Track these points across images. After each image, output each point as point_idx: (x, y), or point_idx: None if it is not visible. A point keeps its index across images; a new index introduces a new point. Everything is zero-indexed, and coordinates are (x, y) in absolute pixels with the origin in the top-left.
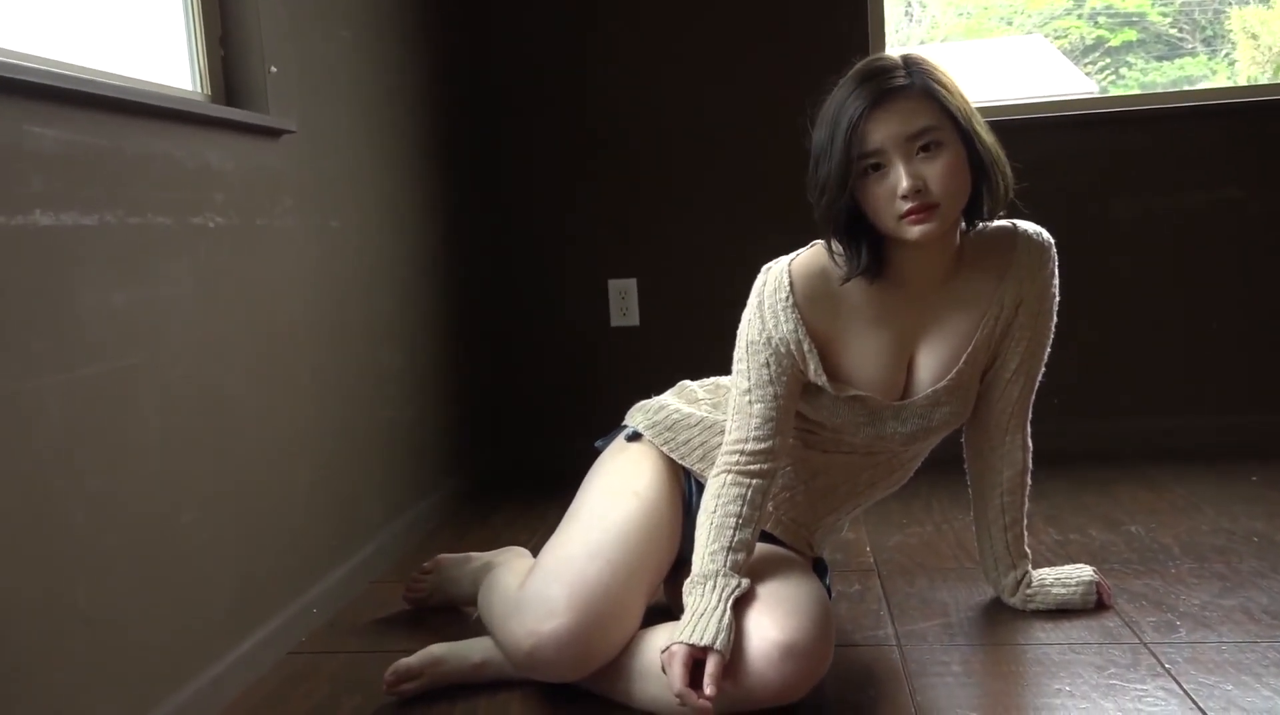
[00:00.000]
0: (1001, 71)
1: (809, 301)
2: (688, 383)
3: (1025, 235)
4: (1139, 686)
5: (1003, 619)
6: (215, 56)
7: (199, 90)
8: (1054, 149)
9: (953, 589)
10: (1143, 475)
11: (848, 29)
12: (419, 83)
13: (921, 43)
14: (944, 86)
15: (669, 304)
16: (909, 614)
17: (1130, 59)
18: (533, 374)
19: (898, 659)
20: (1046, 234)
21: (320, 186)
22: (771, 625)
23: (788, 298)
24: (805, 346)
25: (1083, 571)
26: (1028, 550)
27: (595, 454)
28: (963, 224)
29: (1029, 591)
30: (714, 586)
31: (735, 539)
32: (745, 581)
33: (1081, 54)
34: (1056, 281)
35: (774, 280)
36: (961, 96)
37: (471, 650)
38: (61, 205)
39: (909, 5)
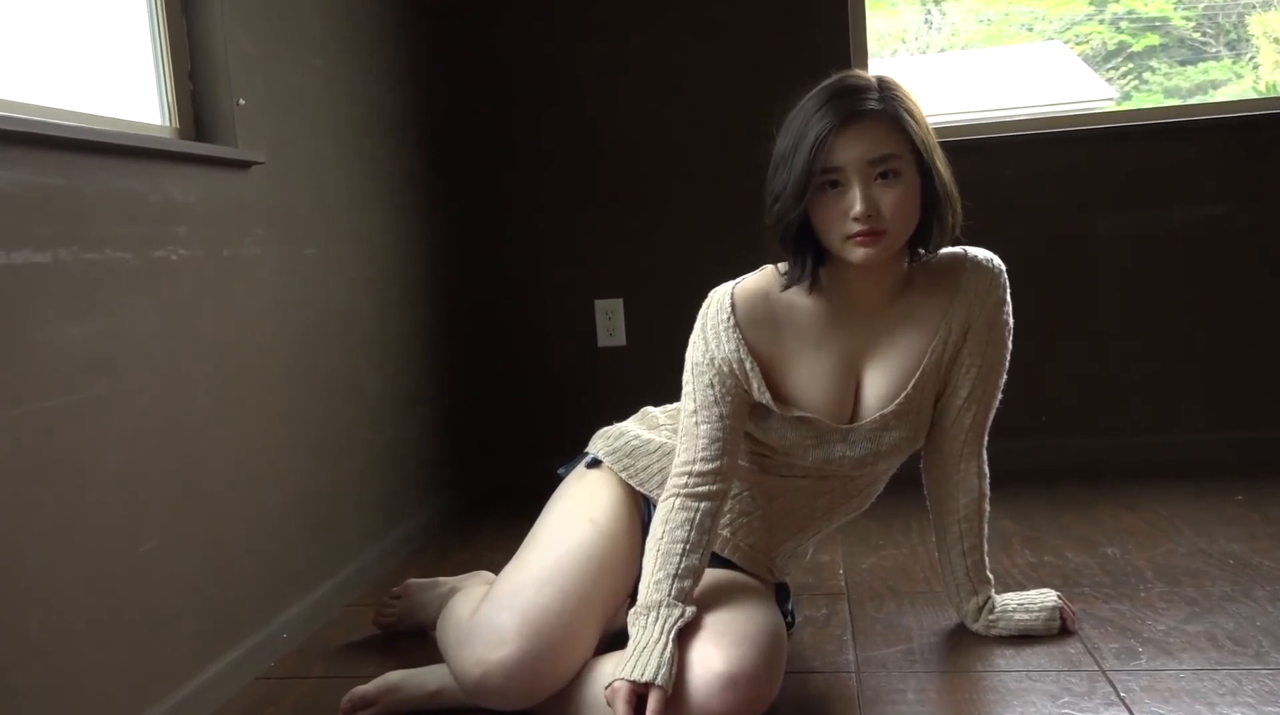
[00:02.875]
0: (1020, 79)
1: (751, 322)
2: (650, 408)
3: (974, 260)
4: None
5: (965, 645)
6: (184, 91)
7: (168, 124)
8: (1040, 164)
9: (919, 614)
10: (1125, 495)
11: (836, 51)
12: (397, 107)
13: (942, 50)
14: (913, 117)
15: (656, 324)
16: (873, 640)
17: (1153, 64)
18: (519, 394)
19: (855, 686)
20: (997, 260)
21: (293, 215)
22: (716, 654)
23: (729, 318)
24: (748, 365)
25: (1046, 596)
26: (990, 575)
27: (560, 480)
28: (907, 253)
29: (991, 617)
30: (656, 618)
31: (682, 566)
32: (690, 610)
33: (1103, 60)
34: (1008, 308)
35: (716, 303)
36: (927, 128)
37: (428, 678)
38: (12, 244)
39: (928, 12)
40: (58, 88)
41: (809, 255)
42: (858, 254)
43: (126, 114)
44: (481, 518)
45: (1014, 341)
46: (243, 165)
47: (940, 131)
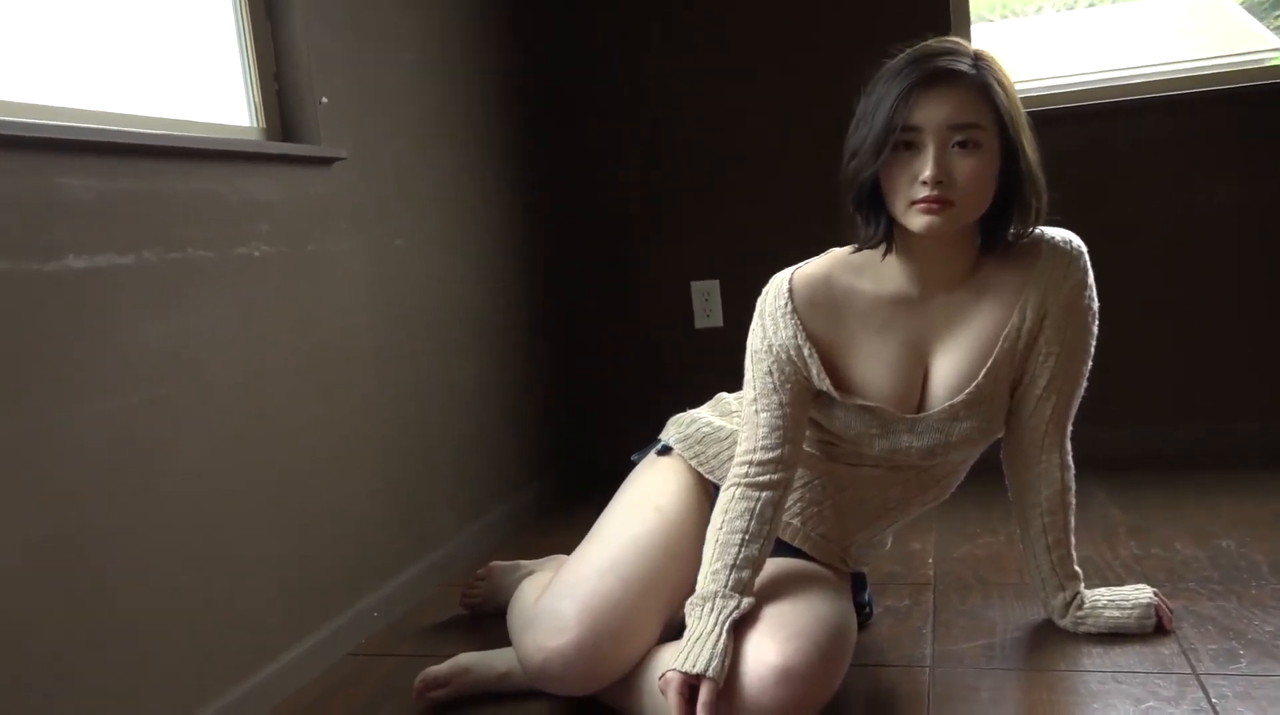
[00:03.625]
0: (1176, 31)
1: (809, 307)
2: (724, 394)
3: (1051, 242)
4: None
5: (1049, 643)
6: (270, 91)
7: (255, 125)
8: (1196, 124)
9: (1006, 607)
10: (1251, 484)
11: (932, 32)
12: (487, 97)
13: (1091, 4)
14: (1003, 88)
15: (753, 305)
16: (953, 634)
17: None
18: (616, 378)
19: (927, 682)
20: (1077, 241)
21: (379, 208)
22: (771, 647)
23: (786, 304)
24: (805, 352)
25: (1141, 593)
26: (1077, 570)
27: (633, 467)
28: (979, 234)
29: (1079, 614)
30: (712, 609)
31: (740, 556)
32: (747, 601)
33: (1270, 8)
34: (1090, 292)
35: (775, 288)
36: (1017, 104)
37: (497, 661)
38: (95, 248)
39: None
40: (156, 96)
41: (881, 219)
42: (920, 222)
43: (217, 117)
44: (578, 503)
45: (1137, 322)
46: (325, 162)
47: (1084, 94)
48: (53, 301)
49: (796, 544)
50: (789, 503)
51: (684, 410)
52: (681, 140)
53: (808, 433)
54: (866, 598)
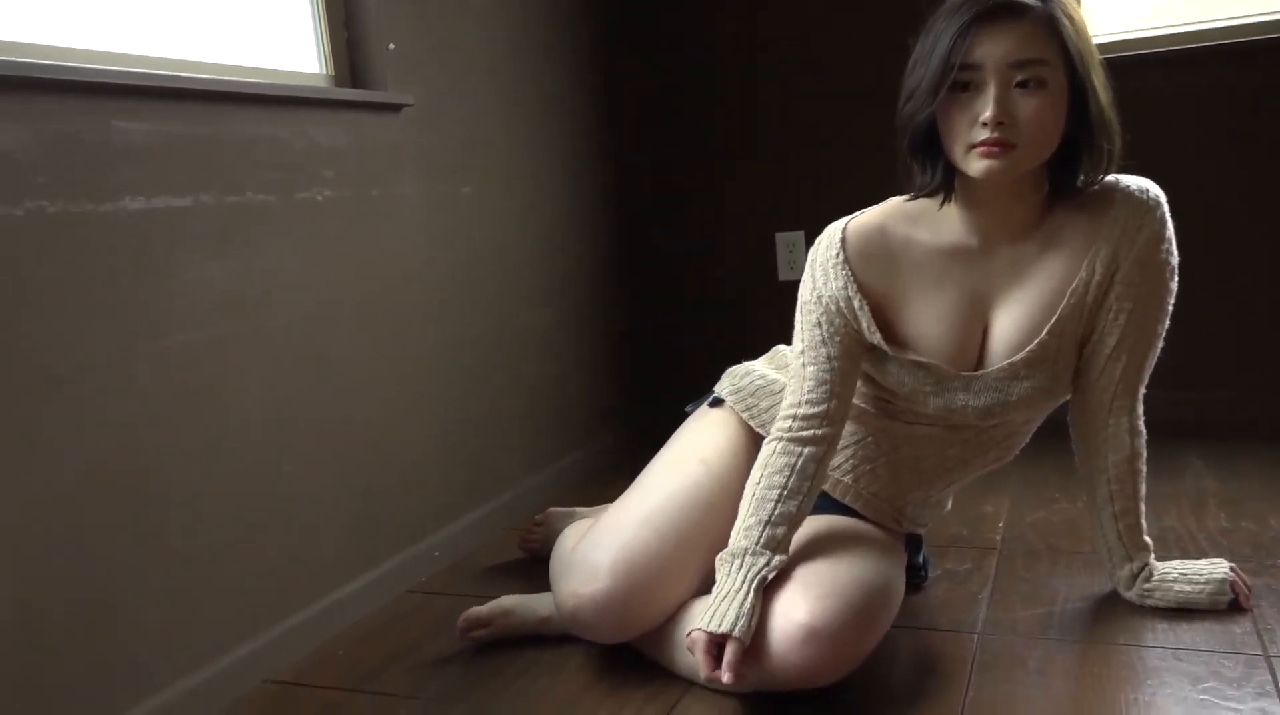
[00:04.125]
0: None
1: (862, 258)
2: (782, 347)
3: (1126, 190)
4: (1233, 706)
5: (1112, 615)
6: (339, 39)
7: (324, 72)
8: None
9: (1073, 577)
10: None
11: None
12: (561, 42)
13: None
14: (1072, 23)
15: None
16: (1011, 601)
17: None
18: (694, 328)
19: (973, 648)
20: (1155, 189)
21: (447, 155)
22: (800, 605)
23: (838, 254)
24: (856, 304)
25: (1217, 567)
26: (1147, 540)
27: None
28: (1045, 181)
29: (1147, 586)
30: (740, 565)
31: (776, 512)
32: (779, 559)
33: None
34: (1168, 245)
35: (827, 238)
36: (1087, 40)
37: (538, 605)
38: (152, 190)
39: None
40: (228, 44)
41: (939, 165)
42: (979, 166)
43: (288, 64)
44: (649, 453)
45: (1233, 280)
46: (392, 108)
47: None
48: (109, 242)
49: (848, 501)
50: (841, 459)
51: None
52: (768, 85)
53: (862, 388)
54: (921, 559)
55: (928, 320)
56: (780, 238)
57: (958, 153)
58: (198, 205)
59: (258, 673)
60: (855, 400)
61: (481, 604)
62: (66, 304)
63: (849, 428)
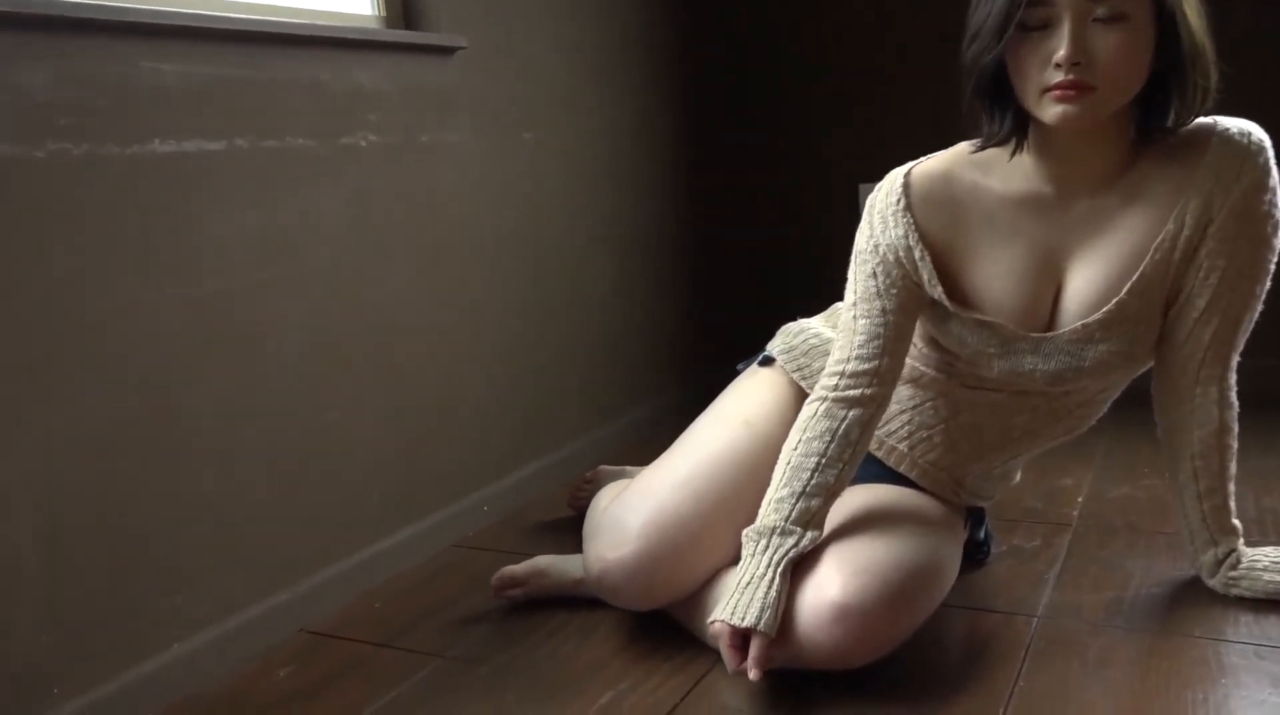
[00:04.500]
0: None
1: (926, 205)
2: (839, 305)
3: (1224, 134)
4: None
5: (1191, 604)
6: None
7: (375, 13)
8: None
9: (1152, 558)
10: None
11: None
12: None
13: None
14: None
15: None
16: (1079, 582)
17: None
18: (771, 281)
19: (1029, 633)
20: (1258, 133)
21: (505, 101)
22: (833, 581)
23: (899, 200)
24: (917, 254)
25: None
26: (1236, 524)
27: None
28: (1131, 124)
29: (1233, 574)
30: (766, 546)
31: (812, 483)
32: (812, 536)
33: None
34: (1271, 196)
35: (888, 184)
36: None
37: (572, 566)
38: (183, 133)
39: None
40: None
41: (1009, 111)
42: (1054, 112)
43: (339, 5)
44: None
45: None
46: (444, 51)
47: None
48: (136, 186)
49: (903, 470)
50: (897, 425)
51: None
52: (853, 27)
53: (921, 348)
54: (983, 535)
55: (995, 275)
56: (864, 189)
57: (1030, 97)
58: (232, 149)
59: (294, 622)
60: (914, 361)
61: (522, 562)
62: (91, 248)
63: (906, 391)
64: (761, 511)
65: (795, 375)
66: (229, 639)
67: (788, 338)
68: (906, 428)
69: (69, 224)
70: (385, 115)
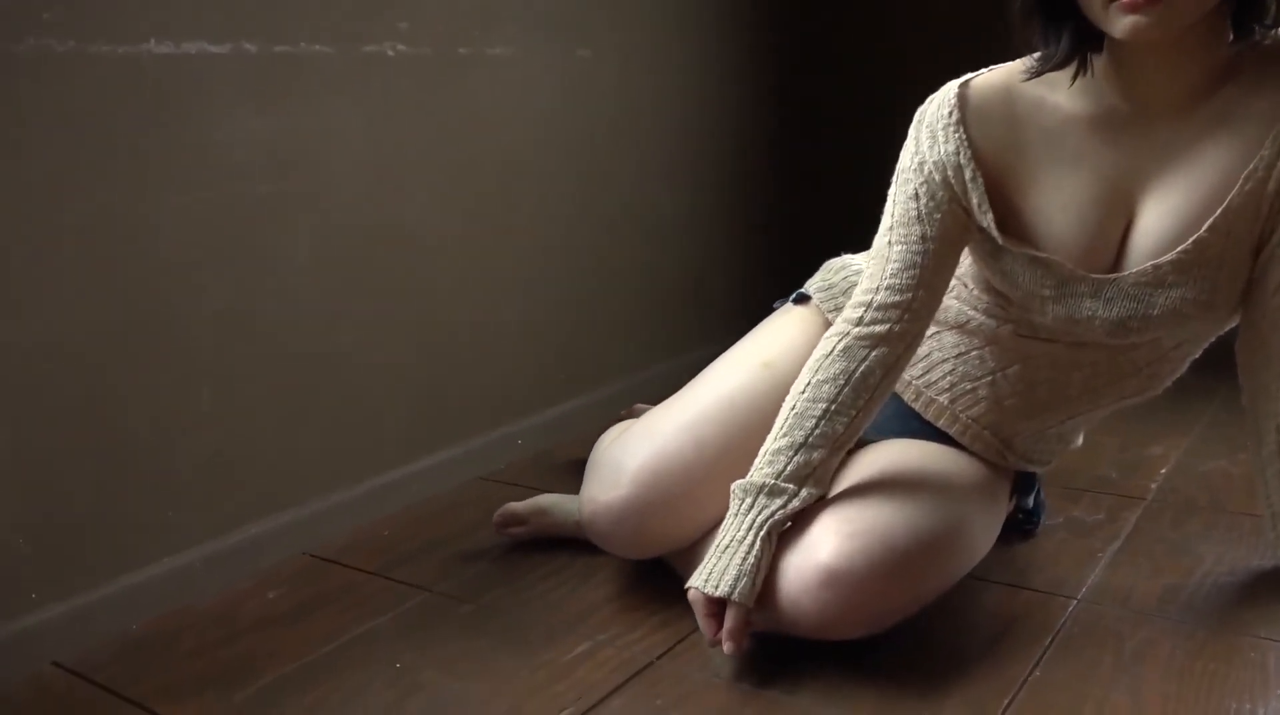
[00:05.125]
0: None
1: (981, 120)
2: None
3: None
4: None
5: (1264, 600)
6: None
7: None
8: None
9: (1229, 545)
10: None
11: None
12: None
13: None
14: None
15: None
16: (1137, 565)
17: None
18: (851, 218)
19: (1063, 617)
20: None
21: (557, 11)
22: (825, 542)
23: (951, 113)
24: (968, 174)
25: None
26: None
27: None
28: (1221, 35)
29: None
30: (752, 506)
31: (816, 432)
32: (809, 493)
33: None
34: None
35: (939, 97)
36: None
37: (574, 507)
38: (182, 35)
39: None
40: None
41: (1067, 30)
42: (1124, 23)
43: None
44: None
45: None
46: None
47: None
48: (129, 88)
49: (941, 425)
50: (938, 375)
51: None
52: None
53: (973, 290)
54: (1031, 503)
55: (1055, 205)
56: None
57: (1095, 9)
58: (238, 53)
59: (296, 544)
60: (962, 304)
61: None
62: (75, 150)
63: (952, 338)
64: (756, 462)
65: (831, 315)
66: (225, 556)
67: (828, 274)
68: (949, 378)
69: (50, 124)
70: (418, 24)
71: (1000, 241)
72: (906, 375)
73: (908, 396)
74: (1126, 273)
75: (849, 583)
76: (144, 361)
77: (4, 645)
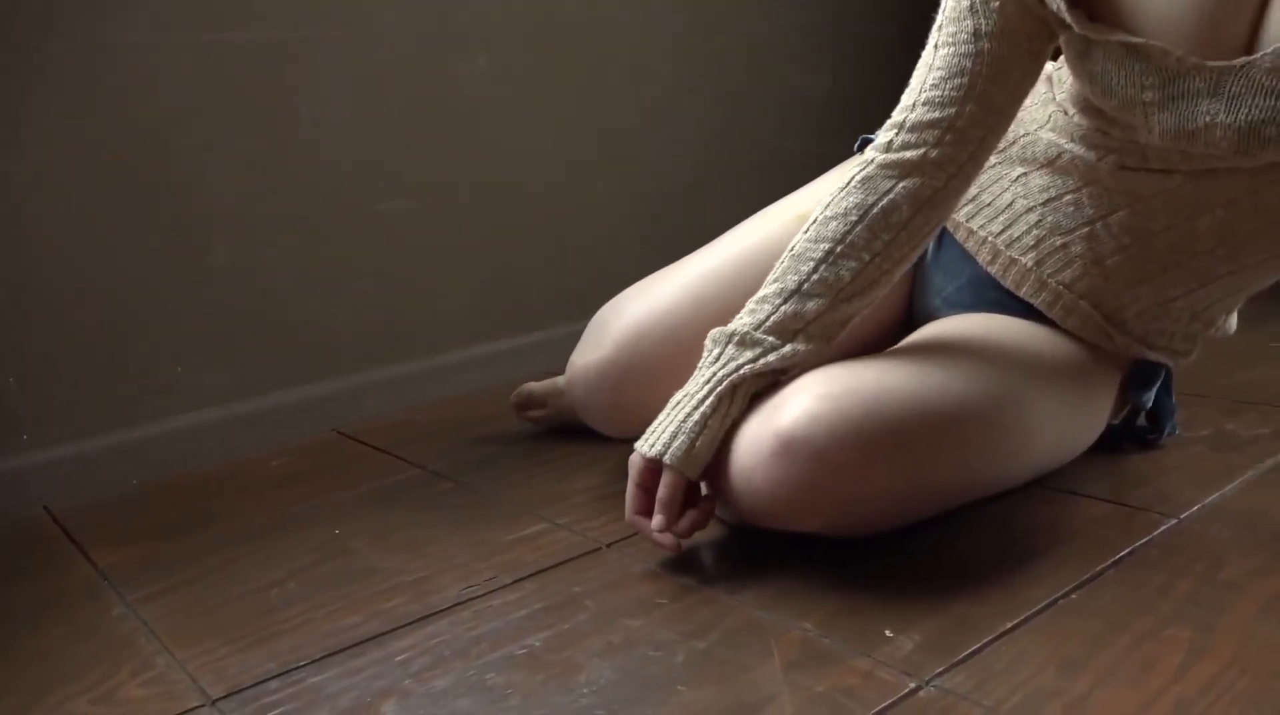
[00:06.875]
0: None
1: None
2: None
3: None
4: None
5: None
6: None
7: None
8: None
9: None
10: None
11: None
12: None
13: None
14: None
15: None
16: (1268, 494)
17: None
18: None
19: (1148, 537)
20: None
21: None
22: (790, 404)
23: None
24: None
25: None
26: None
27: None
28: None
29: None
30: (719, 357)
31: (813, 278)
32: (793, 350)
33: None
34: None
35: None
36: None
37: None
38: None
39: None
40: None
41: None
42: None
43: None
44: None
45: None
46: None
47: None
48: None
49: (1024, 294)
50: (1020, 229)
51: None
52: None
53: (1069, 113)
54: (1146, 400)
55: None
56: None
57: None
58: None
59: (327, 420)
60: (1052, 134)
61: None
62: None
63: (1040, 180)
64: (742, 311)
65: None
66: (240, 423)
67: None
68: (1035, 232)
69: None
70: None
71: (1076, 28)
72: (983, 232)
73: (983, 258)
74: (1259, 55)
75: (805, 453)
76: (147, 207)
77: None
